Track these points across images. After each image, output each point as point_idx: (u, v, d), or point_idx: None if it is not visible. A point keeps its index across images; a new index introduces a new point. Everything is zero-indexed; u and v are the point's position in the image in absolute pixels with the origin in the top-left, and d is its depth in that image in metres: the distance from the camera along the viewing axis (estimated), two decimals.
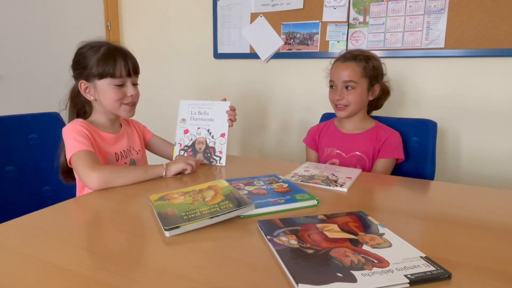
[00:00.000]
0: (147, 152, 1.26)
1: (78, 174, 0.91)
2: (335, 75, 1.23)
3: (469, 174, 1.55)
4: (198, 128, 1.15)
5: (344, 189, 0.88)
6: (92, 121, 1.05)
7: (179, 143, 1.16)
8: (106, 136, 1.05)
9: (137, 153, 1.15)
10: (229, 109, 1.16)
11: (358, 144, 1.24)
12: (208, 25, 2.00)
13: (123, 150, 1.09)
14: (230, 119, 1.15)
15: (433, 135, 1.26)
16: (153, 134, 1.27)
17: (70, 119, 1.08)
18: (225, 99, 1.18)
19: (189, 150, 1.14)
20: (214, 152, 1.11)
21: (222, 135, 1.12)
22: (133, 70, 1.04)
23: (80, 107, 1.09)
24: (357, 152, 1.23)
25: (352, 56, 1.21)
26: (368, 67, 1.20)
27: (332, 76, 1.24)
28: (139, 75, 1.09)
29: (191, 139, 1.15)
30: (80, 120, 1.02)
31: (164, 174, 0.98)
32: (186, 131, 1.16)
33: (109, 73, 0.99)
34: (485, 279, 0.49)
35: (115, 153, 1.06)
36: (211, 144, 1.12)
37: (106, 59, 0.99)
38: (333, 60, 1.28)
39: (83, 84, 1.01)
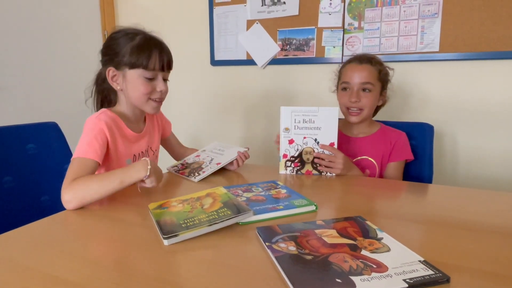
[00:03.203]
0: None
1: None
2: (351, 76, 1.17)
3: (467, 177, 1.55)
4: (207, 156, 1.20)
5: (333, 175, 1.05)
6: (120, 113, 1.00)
7: (184, 160, 1.22)
8: (130, 134, 1.01)
9: (153, 153, 1.14)
10: (242, 152, 1.14)
11: (366, 148, 1.21)
12: (205, 32, 2.02)
13: (141, 152, 1.08)
14: (237, 161, 1.12)
15: (430, 138, 1.26)
16: (171, 133, 1.28)
17: (95, 107, 1.04)
18: (247, 148, 1.18)
19: (186, 165, 1.17)
20: (200, 170, 1.10)
21: (218, 163, 1.12)
22: (167, 64, 0.98)
23: (105, 95, 1.05)
24: (365, 157, 1.20)
25: (367, 59, 1.18)
26: (383, 71, 1.19)
27: (347, 78, 1.18)
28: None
29: (195, 160, 1.19)
30: (108, 112, 0.96)
31: (144, 179, 0.84)
32: (197, 156, 1.22)
33: (142, 64, 0.93)
34: (484, 282, 0.49)
35: (133, 155, 1.04)
36: (203, 166, 1.12)
37: (141, 49, 0.93)
38: (332, 64, 1.27)
39: (111, 72, 0.96)
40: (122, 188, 0.83)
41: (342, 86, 1.21)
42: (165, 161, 1.27)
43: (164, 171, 1.16)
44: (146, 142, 1.09)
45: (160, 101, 1.02)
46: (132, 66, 0.94)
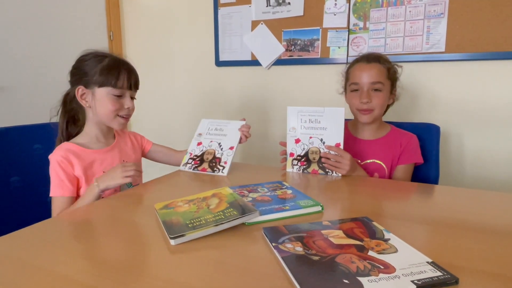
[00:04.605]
0: (148, 161, 1.28)
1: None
2: (360, 76, 1.14)
3: (473, 178, 1.54)
4: (211, 141, 1.18)
5: (339, 175, 1.06)
6: (79, 143, 1.04)
7: (190, 153, 1.19)
8: (90, 153, 1.04)
9: None
10: (242, 126, 1.16)
11: (375, 151, 1.19)
12: (210, 33, 2.02)
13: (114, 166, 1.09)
14: (244, 135, 1.16)
15: (437, 139, 1.25)
16: (153, 144, 1.28)
17: (60, 126, 1.09)
18: (244, 119, 1.19)
19: (197, 159, 1.15)
20: (220, 162, 1.10)
21: (231, 148, 1.12)
22: (134, 83, 1.06)
23: (72, 115, 1.09)
24: (375, 160, 1.18)
25: (375, 57, 1.16)
26: (391, 69, 1.17)
27: (356, 78, 1.15)
28: (138, 91, 1.10)
29: (202, 150, 1.17)
30: (62, 146, 1.02)
31: (97, 193, 0.93)
32: (199, 143, 1.20)
33: (111, 82, 1.00)
34: (493, 284, 0.49)
35: (103, 171, 1.04)
36: (218, 155, 1.12)
37: (111, 69, 1.01)
38: (338, 65, 1.26)
39: (80, 90, 1.02)
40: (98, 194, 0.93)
41: (351, 87, 1.17)
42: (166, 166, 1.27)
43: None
44: (118, 156, 1.11)
45: (127, 117, 1.08)
46: (101, 84, 1.00)
